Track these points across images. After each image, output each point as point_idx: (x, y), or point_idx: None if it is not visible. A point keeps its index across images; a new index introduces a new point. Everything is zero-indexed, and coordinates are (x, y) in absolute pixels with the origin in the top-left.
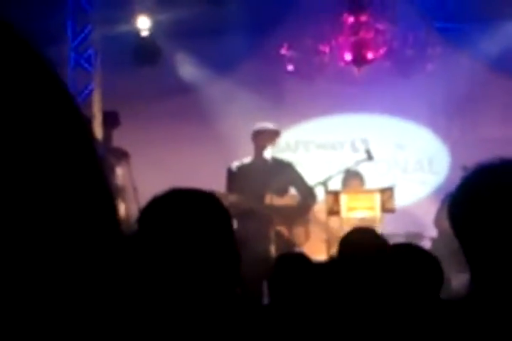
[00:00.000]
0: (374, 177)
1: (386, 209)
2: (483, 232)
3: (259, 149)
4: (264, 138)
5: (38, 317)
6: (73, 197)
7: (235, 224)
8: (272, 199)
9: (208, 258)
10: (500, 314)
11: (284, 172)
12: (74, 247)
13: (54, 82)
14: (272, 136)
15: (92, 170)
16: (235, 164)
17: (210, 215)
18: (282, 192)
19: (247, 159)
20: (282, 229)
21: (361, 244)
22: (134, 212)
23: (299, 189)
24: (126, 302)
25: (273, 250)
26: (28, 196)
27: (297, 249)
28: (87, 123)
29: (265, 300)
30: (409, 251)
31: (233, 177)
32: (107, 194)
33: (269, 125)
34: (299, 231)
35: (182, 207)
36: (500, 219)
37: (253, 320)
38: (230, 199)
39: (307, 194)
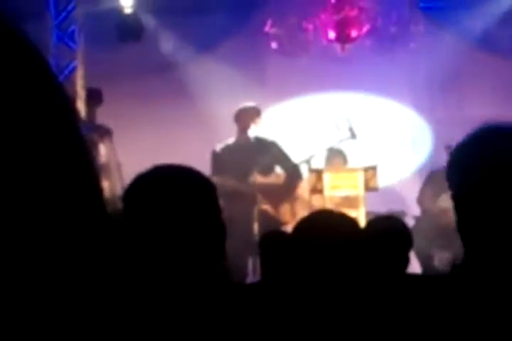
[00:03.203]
0: (357, 156)
1: (369, 187)
2: (482, 200)
3: (241, 129)
4: (245, 117)
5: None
6: (57, 177)
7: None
8: (257, 178)
9: (193, 234)
10: (487, 290)
11: (268, 151)
12: (60, 228)
13: (36, 60)
14: (253, 115)
15: (75, 149)
16: (219, 146)
17: (195, 191)
18: (268, 170)
19: (231, 140)
20: (268, 208)
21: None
22: (119, 189)
23: (284, 167)
24: (115, 279)
25: (256, 229)
26: (7, 175)
27: (284, 228)
28: (71, 100)
29: (249, 279)
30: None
31: (218, 158)
32: (92, 173)
33: (250, 104)
34: (285, 210)
35: (166, 183)
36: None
37: (241, 296)
38: (214, 181)
39: (292, 172)
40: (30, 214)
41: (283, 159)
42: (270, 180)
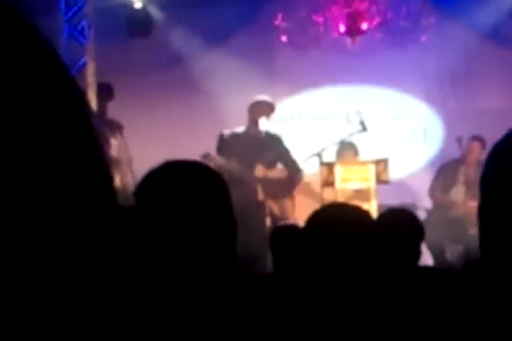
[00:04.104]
0: (368, 149)
1: (381, 180)
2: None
3: (253, 121)
4: (259, 110)
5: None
6: (68, 170)
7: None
8: (263, 171)
9: (205, 230)
10: (499, 288)
11: (273, 146)
12: (71, 220)
13: (48, 54)
14: (268, 109)
15: (87, 141)
16: (226, 131)
17: (207, 187)
18: (271, 165)
19: (240, 129)
20: (270, 202)
21: (331, 219)
22: (130, 184)
23: (286, 164)
24: (126, 274)
25: (268, 222)
26: (19, 168)
27: (286, 222)
28: (83, 94)
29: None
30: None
31: (224, 143)
32: (103, 166)
33: (266, 98)
34: (286, 205)
35: (178, 179)
36: None
37: (253, 291)
38: (221, 162)
39: (294, 169)
40: (39, 206)
41: (285, 155)
42: (274, 173)
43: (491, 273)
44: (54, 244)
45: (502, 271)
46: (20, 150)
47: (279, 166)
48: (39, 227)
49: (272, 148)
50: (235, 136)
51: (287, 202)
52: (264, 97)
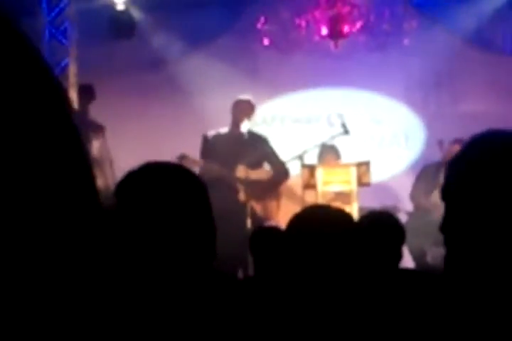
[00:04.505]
0: (350, 152)
1: (362, 183)
2: (475, 205)
3: (235, 121)
4: (240, 108)
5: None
6: (51, 168)
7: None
8: (245, 172)
9: (184, 231)
10: (478, 288)
11: (258, 147)
12: (53, 219)
13: (30, 53)
14: (248, 109)
15: (69, 139)
16: (210, 132)
17: (186, 189)
18: (256, 165)
19: (224, 129)
20: (253, 202)
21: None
22: (111, 185)
23: (272, 164)
24: (107, 274)
25: (249, 223)
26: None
27: (269, 223)
28: (65, 94)
29: (240, 274)
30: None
31: (208, 144)
32: (85, 165)
33: (246, 97)
34: (269, 205)
35: (157, 181)
36: (496, 192)
37: (233, 294)
38: (204, 166)
39: (280, 169)
40: (23, 207)
41: (271, 156)
42: (257, 174)
43: (469, 276)
44: (35, 243)
45: (472, 274)
46: (1, 149)
47: (266, 167)
48: (20, 226)
49: (256, 148)
50: (218, 137)
51: (271, 203)
52: (244, 97)
